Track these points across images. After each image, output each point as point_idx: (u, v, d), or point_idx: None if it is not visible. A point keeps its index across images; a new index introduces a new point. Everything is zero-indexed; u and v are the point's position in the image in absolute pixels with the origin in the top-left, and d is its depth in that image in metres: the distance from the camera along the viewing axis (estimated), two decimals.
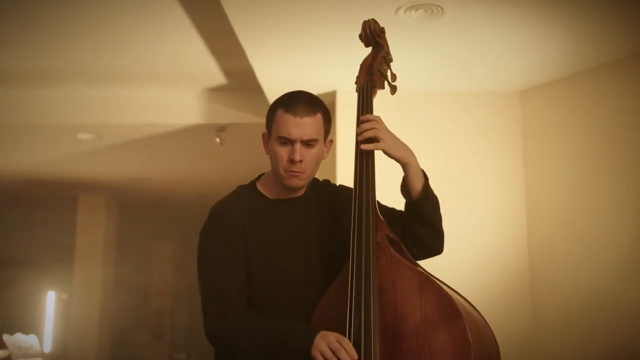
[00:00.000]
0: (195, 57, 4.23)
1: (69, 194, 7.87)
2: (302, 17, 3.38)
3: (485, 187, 4.27)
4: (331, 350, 1.66)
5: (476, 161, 4.31)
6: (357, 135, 1.93)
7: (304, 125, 1.87)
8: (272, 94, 4.11)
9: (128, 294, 8.88)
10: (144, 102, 4.97)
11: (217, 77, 4.62)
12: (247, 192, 2.02)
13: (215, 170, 6.81)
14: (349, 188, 1.97)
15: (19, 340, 6.69)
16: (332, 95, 4.31)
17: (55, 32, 3.90)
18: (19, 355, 6.54)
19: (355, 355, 1.67)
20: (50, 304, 8.89)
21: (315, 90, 2.21)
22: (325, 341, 1.68)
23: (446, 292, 1.73)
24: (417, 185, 1.92)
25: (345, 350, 1.66)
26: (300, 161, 1.87)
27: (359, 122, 1.95)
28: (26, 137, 5.54)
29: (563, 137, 4.13)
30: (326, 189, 2.09)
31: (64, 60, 4.35)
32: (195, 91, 4.94)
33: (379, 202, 2.02)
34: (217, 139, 5.23)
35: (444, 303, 1.71)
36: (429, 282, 1.75)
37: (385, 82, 2.06)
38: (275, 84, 4.19)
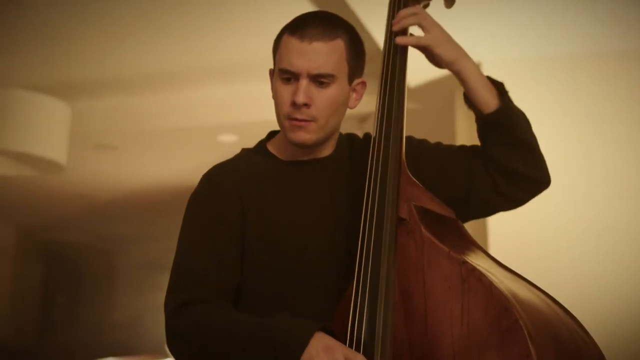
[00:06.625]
0: None
1: None
2: None
3: None
4: None
5: None
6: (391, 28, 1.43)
7: (313, 53, 1.31)
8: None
9: None
10: None
11: None
12: (252, 154, 1.48)
13: None
14: None
15: None
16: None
17: (185, 32, 3.78)
18: None
19: None
20: None
21: None
22: (328, 356, 1.11)
23: (501, 293, 1.09)
24: (484, 95, 1.38)
25: None
26: (306, 105, 1.32)
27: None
28: (168, 143, 5.44)
29: None
30: (365, 147, 1.45)
31: (197, 59, 4.19)
32: None
33: (424, 141, 1.51)
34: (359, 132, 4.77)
35: (496, 310, 1.09)
36: (474, 276, 1.12)
37: None
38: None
